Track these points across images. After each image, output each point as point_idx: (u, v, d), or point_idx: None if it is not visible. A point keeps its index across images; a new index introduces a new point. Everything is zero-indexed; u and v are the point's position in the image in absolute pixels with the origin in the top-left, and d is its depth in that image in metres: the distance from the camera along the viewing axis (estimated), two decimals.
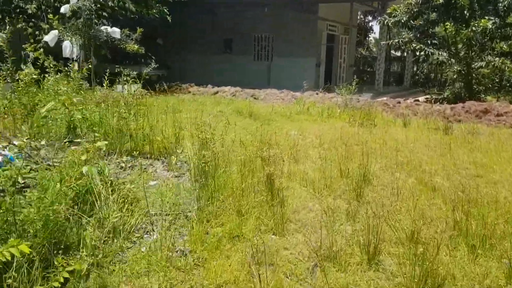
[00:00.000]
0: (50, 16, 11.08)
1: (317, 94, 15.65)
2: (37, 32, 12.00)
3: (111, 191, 4.34)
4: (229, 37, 22.90)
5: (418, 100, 16.08)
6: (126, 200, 4.44)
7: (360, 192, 5.23)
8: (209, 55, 23.02)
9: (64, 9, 11.11)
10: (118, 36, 11.46)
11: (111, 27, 12.26)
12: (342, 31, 22.97)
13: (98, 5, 12.32)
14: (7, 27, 12.24)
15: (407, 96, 18.82)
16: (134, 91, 13.51)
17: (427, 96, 17.87)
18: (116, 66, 15.18)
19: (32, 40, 11.19)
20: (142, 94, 14.47)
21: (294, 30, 20.53)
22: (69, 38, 11.01)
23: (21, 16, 12.40)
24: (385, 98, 15.89)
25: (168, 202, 4.75)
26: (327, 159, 6.81)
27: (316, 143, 8.15)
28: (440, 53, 14.82)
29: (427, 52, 14.86)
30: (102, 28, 11.48)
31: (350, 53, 23.53)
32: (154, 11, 15.88)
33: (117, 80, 14.35)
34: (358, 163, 6.14)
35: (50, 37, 10.51)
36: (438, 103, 15.16)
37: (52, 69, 10.08)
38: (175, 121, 7.96)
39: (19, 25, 12.23)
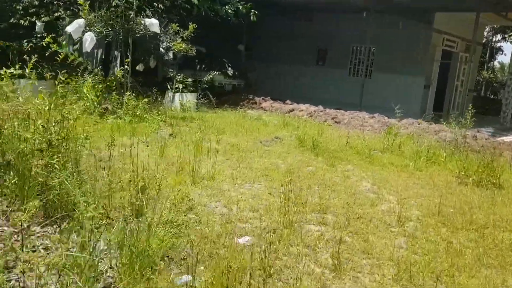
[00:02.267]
0: (80, 1, 8.95)
1: (418, 124, 11.97)
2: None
3: None
4: (323, 48, 19.78)
5: None
6: None
7: None
8: (298, 67, 20.10)
9: None
10: (156, 29, 9.04)
11: (165, 21, 9.86)
12: (462, 48, 18.72)
13: None
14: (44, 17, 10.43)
15: None
16: (182, 104, 11.03)
17: None
18: (170, 70, 12.95)
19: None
20: (197, 107, 11.97)
21: (401, 42, 16.85)
22: (97, 29, 8.80)
23: (60, 2, 10.51)
24: None
25: None
26: (409, 267, 3.56)
27: (395, 216, 4.83)
28: None
29: None
30: (145, 20, 9.13)
31: (470, 75, 19.13)
32: (227, 7, 13.32)
33: (169, 88, 12.08)
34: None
35: (73, 27, 8.39)
36: None
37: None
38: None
39: (57, 14, 10.33)
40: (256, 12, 14.36)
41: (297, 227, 4.18)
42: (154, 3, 11.08)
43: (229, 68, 16.81)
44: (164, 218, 3.58)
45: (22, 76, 10.96)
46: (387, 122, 12.01)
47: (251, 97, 15.53)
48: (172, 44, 9.49)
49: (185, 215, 4.02)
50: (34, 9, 10.72)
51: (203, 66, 16.69)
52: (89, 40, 8.29)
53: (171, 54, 14.58)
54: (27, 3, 10.75)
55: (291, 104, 14.63)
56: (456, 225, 4.67)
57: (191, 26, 9.66)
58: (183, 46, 9.44)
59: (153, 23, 8.93)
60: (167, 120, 9.24)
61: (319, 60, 20.24)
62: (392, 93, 16.73)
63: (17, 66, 10.06)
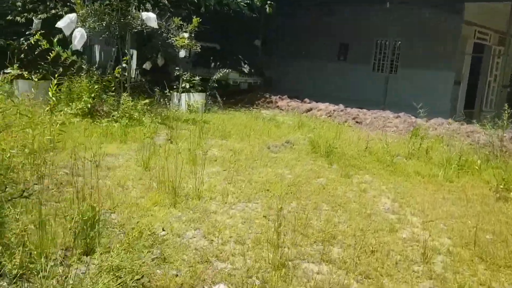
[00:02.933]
0: None
1: (448, 124, 10.87)
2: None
3: None
4: (345, 42, 18.67)
5: None
6: None
7: None
8: (318, 62, 19.04)
9: None
10: (153, 24, 8.21)
11: (162, 14, 9.03)
12: (495, 41, 17.33)
13: None
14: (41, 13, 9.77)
15: None
16: (189, 105, 10.21)
17: None
18: (176, 68, 12.14)
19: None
20: (206, 108, 11.13)
21: (428, 35, 15.63)
22: (89, 24, 8.05)
23: None
24: None
25: None
26: None
27: (419, 247, 3.89)
28: None
29: None
30: (142, 14, 8.30)
31: (505, 70, 17.72)
32: (240, 0, 12.42)
33: (174, 87, 11.26)
34: None
35: (64, 22, 7.65)
36: None
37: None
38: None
39: (54, 11, 9.65)
40: (272, 3, 13.41)
41: (291, 267, 3.29)
42: None
43: (245, 65, 15.93)
44: (112, 260, 2.74)
45: (20, 76, 10.28)
46: (413, 122, 10.94)
47: (267, 95, 14.63)
48: (174, 39, 8.66)
49: (148, 252, 3.17)
50: (32, 5, 10.08)
51: (218, 63, 15.85)
52: (78, 37, 7.54)
53: (183, 52, 13.84)
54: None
55: (309, 102, 13.69)
56: (497, 260, 3.70)
57: (195, 20, 8.81)
58: (186, 42, 8.60)
59: (150, 17, 8.11)
60: (169, 123, 8.44)
61: (340, 55, 19.14)
62: (419, 89, 15.54)
63: (15, 66, 9.39)
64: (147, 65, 11.52)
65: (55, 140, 6.18)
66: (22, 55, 9.97)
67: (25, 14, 10.15)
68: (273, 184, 5.36)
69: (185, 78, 10.33)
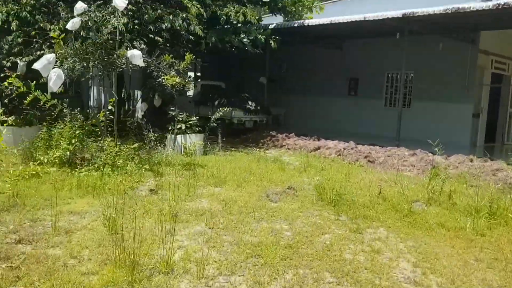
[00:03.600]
0: (53, 33, 7.60)
1: (470, 161, 9.84)
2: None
3: None
4: (355, 76, 17.94)
5: None
6: None
7: None
8: (328, 98, 18.31)
9: (71, 24, 7.48)
10: (139, 62, 7.48)
11: (154, 53, 8.34)
12: None
13: (134, 23, 8.64)
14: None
15: None
16: (185, 148, 9.41)
17: None
18: (172, 108, 11.36)
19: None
20: (205, 150, 10.30)
21: (442, 66, 14.81)
22: (68, 64, 7.36)
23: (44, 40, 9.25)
24: None
25: None
26: None
27: None
28: None
29: None
30: (127, 53, 7.60)
31: None
32: (242, 36, 11.79)
33: (170, 128, 10.47)
34: None
35: (41, 64, 6.96)
36: None
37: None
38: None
39: (39, 52, 9.06)
40: (277, 37, 12.76)
41: None
42: (149, 35, 9.62)
43: (250, 103, 15.19)
44: None
45: (4, 122, 9.55)
46: (431, 160, 9.95)
47: (273, 133, 13.79)
48: (164, 78, 7.92)
49: None
50: (18, 48, 9.52)
51: (223, 101, 15.14)
52: (54, 78, 6.82)
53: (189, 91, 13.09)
54: (12, 42, 9.57)
55: (318, 140, 12.81)
56: None
57: (188, 56, 8.10)
58: (176, 80, 7.85)
59: (134, 55, 7.40)
60: (158, 169, 7.60)
61: (351, 90, 18.37)
62: (435, 124, 14.63)
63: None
64: (142, 106, 10.79)
65: (13, 195, 5.38)
66: (6, 100, 9.36)
67: (11, 58, 9.59)
68: (267, 246, 4.42)
69: (181, 119, 9.56)
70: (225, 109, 10.68)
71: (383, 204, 6.32)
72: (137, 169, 7.16)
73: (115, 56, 7.65)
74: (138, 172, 7.13)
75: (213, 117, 10.19)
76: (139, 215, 5.09)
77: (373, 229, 5.31)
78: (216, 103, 15.00)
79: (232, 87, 17.56)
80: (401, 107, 13.34)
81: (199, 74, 22.67)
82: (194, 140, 9.73)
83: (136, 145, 8.08)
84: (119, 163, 7.19)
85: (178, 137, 9.64)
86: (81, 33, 8.05)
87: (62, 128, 7.87)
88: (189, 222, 5.09)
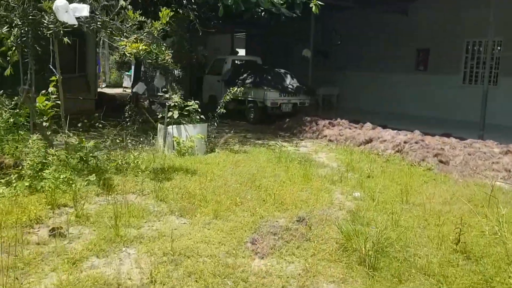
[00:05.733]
0: None
1: None
2: None
3: None
4: (424, 47, 14.45)
5: None
6: None
7: None
8: (390, 75, 14.98)
9: None
10: (85, 13, 4.79)
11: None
12: None
13: None
14: None
15: None
16: (179, 144, 6.73)
17: None
18: (164, 90, 8.44)
19: None
20: (208, 146, 7.57)
21: None
22: None
23: None
24: None
25: None
26: None
27: None
28: None
29: None
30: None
31: None
32: None
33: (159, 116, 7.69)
34: None
35: None
36: None
37: None
38: None
39: None
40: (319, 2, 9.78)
41: None
42: None
43: (289, 81, 12.37)
44: None
45: None
46: None
47: (316, 119, 10.88)
48: (119, 45, 5.25)
49: None
50: None
51: (255, 80, 12.43)
52: None
53: (158, 78, 10.52)
54: None
55: (371, 129, 9.76)
56: None
57: (165, 11, 5.41)
58: (140, 47, 5.20)
59: (58, 7, 4.68)
60: (107, 181, 5.07)
61: (419, 65, 14.91)
62: None
63: None
64: (138, 88, 8.31)
65: None
66: None
67: None
68: None
69: (173, 104, 6.97)
70: (237, 89, 7.94)
71: (464, 264, 3.38)
72: (68, 184, 4.65)
73: (42, 12, 5.13)
74: (69, 188, 4.62)
75: (221, 101, 7.53)
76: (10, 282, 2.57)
77: None
78: (247, 82, 12.30)
79: (269, 63, 14.72)
80: (487, 84, 9.87)
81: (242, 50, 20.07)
82: (193, 132, 7.12)
83: (92, 142, 5.61)
84: (46, 173, 4.72)
85: (170, 128, 7.07)
86: None
87: None
88: None
